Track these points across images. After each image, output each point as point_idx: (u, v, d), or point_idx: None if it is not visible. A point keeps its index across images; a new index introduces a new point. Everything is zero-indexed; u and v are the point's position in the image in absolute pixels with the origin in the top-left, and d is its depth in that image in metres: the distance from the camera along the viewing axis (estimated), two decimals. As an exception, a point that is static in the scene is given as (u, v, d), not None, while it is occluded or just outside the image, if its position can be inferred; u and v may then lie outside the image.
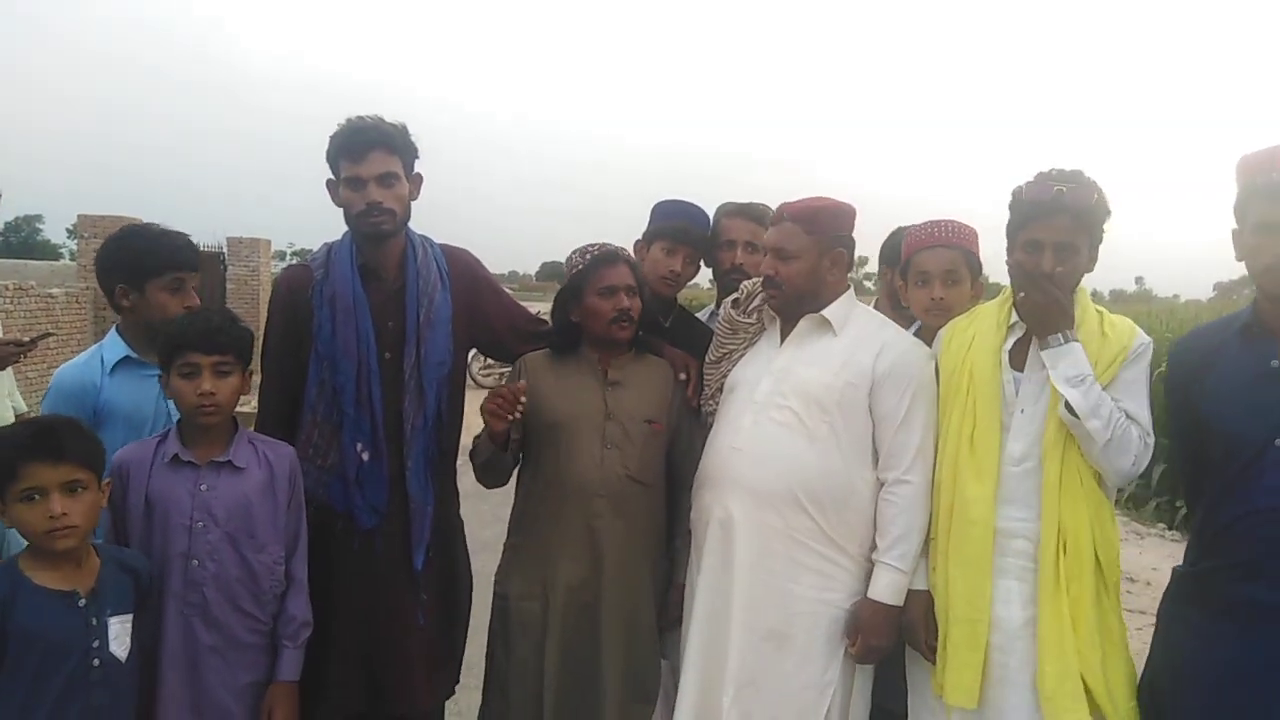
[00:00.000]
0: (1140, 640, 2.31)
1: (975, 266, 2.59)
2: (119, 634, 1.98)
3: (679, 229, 2.92)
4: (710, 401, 2.61)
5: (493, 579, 2.63)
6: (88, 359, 2.51)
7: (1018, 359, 2.26)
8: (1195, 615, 2.11)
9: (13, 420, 2.92)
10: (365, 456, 2.45)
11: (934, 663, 2.25)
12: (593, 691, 2.47)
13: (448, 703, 2.73)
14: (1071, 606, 2.11)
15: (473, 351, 2.88)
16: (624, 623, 2.49)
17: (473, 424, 2.55)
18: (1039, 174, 2.23)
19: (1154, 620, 2.25)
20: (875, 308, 2.85)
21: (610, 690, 2.46)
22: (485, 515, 3.78)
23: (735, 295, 2.67)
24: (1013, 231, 2.25)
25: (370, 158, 2.43)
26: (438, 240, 2.67)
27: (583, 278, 2.55)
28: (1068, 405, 2.10)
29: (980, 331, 2.32)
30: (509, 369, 2.69)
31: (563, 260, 2.71)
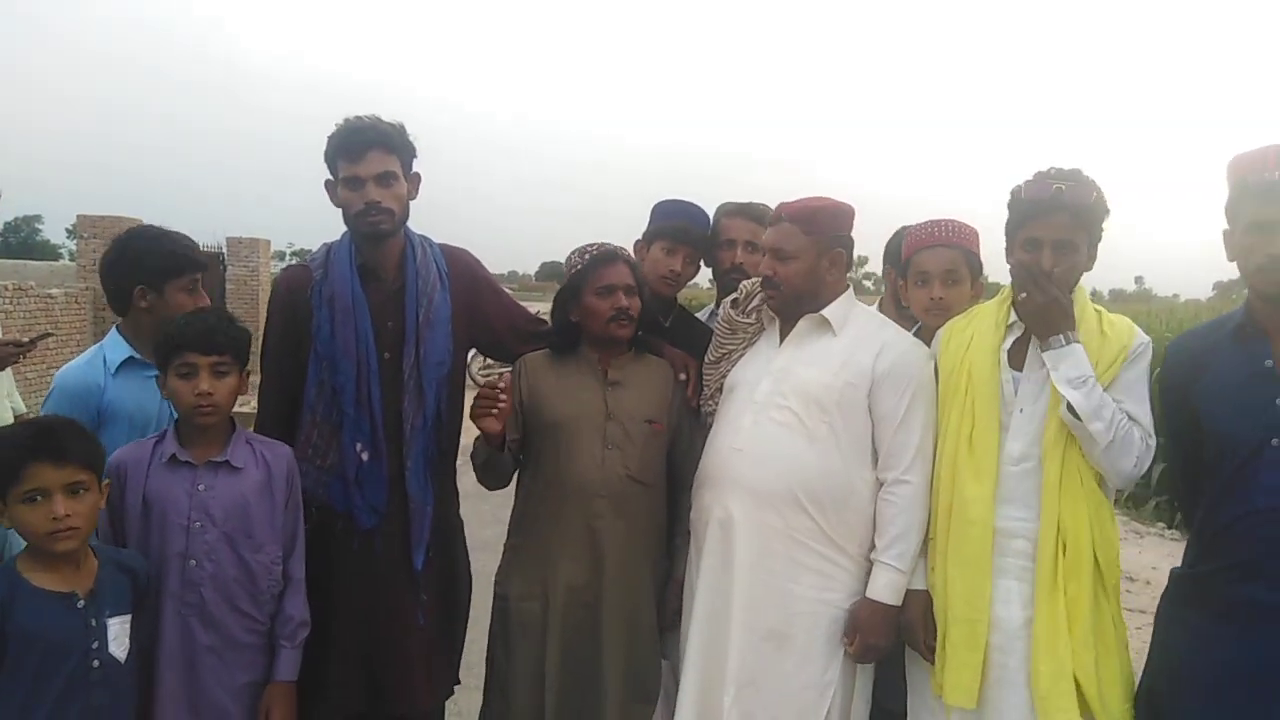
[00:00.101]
0: (1140, 639, 2.31)
1: (976, 266, 2.59)
2: (118, 634, 1.98)
3: (679, 229, 2.92)
4: (710, 402, 2.61)
5: (493, 579, 2.63)
6: (90, 359, 2.51)
7: (1016, 358, 2.26)
8: (1194, 617, 2.10)
9: (12, 421, 2.92)
10: (365, 456, 2.44)
11: (933, 663, 2.25)
12: (594, 692, 2.47)
13: (448, 703, 2.73)
14: (1069, 606, 2.11)
15: (472, 351, 2.88)
16: (625, 623, 2.49)
17: (472, 424, 2.55)
18: (1038, 173, 2.23)
19: (1153, 620, 2.24)
20: (880, 308, 2.85)
21: (611, 690, 2.46)
22: (485, 515, 3.78)
23: (734, 295, 2.67)
24: (1012, 230, 2.25)
25: (368, 157, 2.43)
26: (437, 240, 2.67)
27: (581, 277, 2.55)
28: (1069, 407, 2.09)
29: (979, 331, 2.31)
30: (509, 369, 2.69)
31: (562, 260, 2.71)
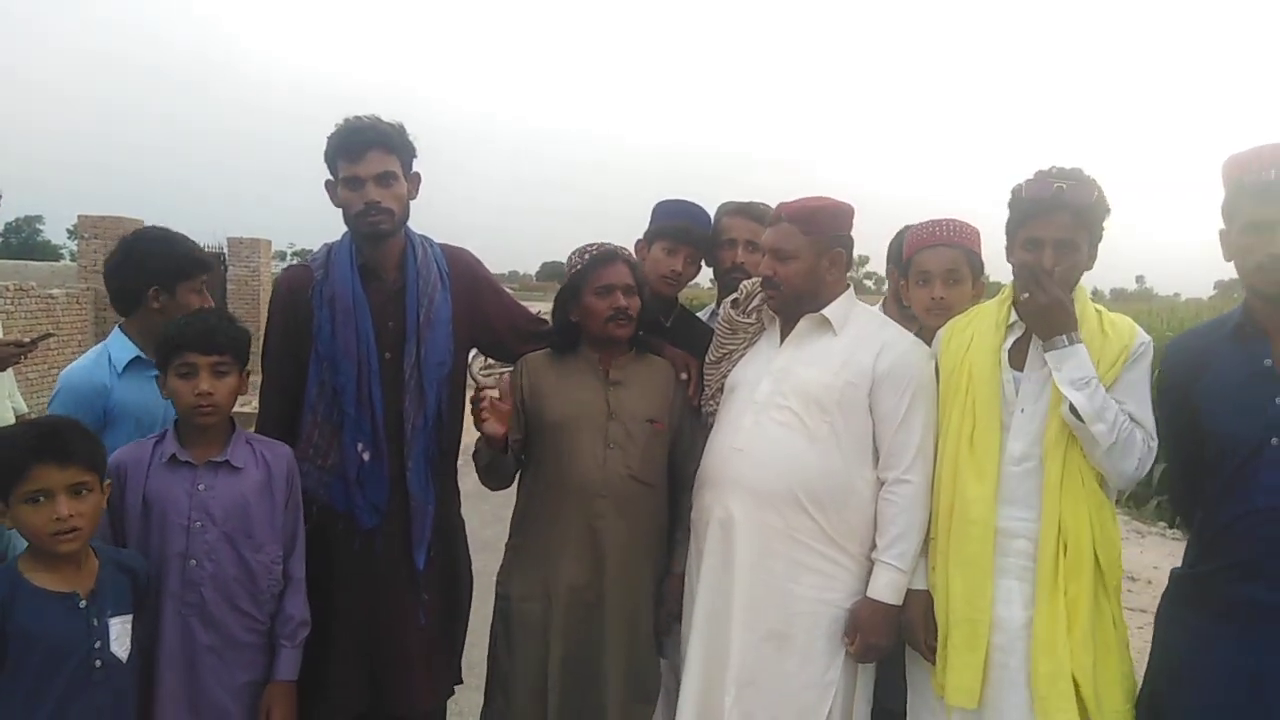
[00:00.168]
0: (1141, 639, 2.31)
1: (977, 266, 2.59)
2: (119, 634, 1.99)
3: (680, 229, 2.92)
4: (710, 402, 2.60)
5: (494, 579, 2.63)
6: (95, 359, 2.51)
7: (1017, 358, 2.25)
8: (1194, 617, 2.10)
9: (13, 421, 2.92)
10: (366, 456, 2.44)
11: (933, 663, 2.25)
12: (595, 692, 2.47)
13: (449, 703, 2.73)
14: (1069, 607, 2.10)
15: (473, 351, 2.89)
16: (627, 623, 2.49)
17: (473, 424, 2.55)
18: (1039, 172, 2.22)
19: (1153, 621, 2.24)
20: (883, 307, 2.85)
21: (613, 690, 2.46)
22: (486, 515, 3.78)
23: (735, 295, 2.67)
24: (1013, 229, 2.25)
25: (368, 157, 2.43)
26: (438, 240, 2.66)
27: (581, 277, 2.56)
28: (1072, 408, 2.09)
29: (979, 331, 2.31)
30: (509, 369, 2.69)
31: (563, 260, 2.71)
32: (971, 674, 2.16)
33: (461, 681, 2.72)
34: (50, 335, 3.34)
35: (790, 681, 2.29)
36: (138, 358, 2.48)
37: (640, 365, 2.62)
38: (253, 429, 2.46)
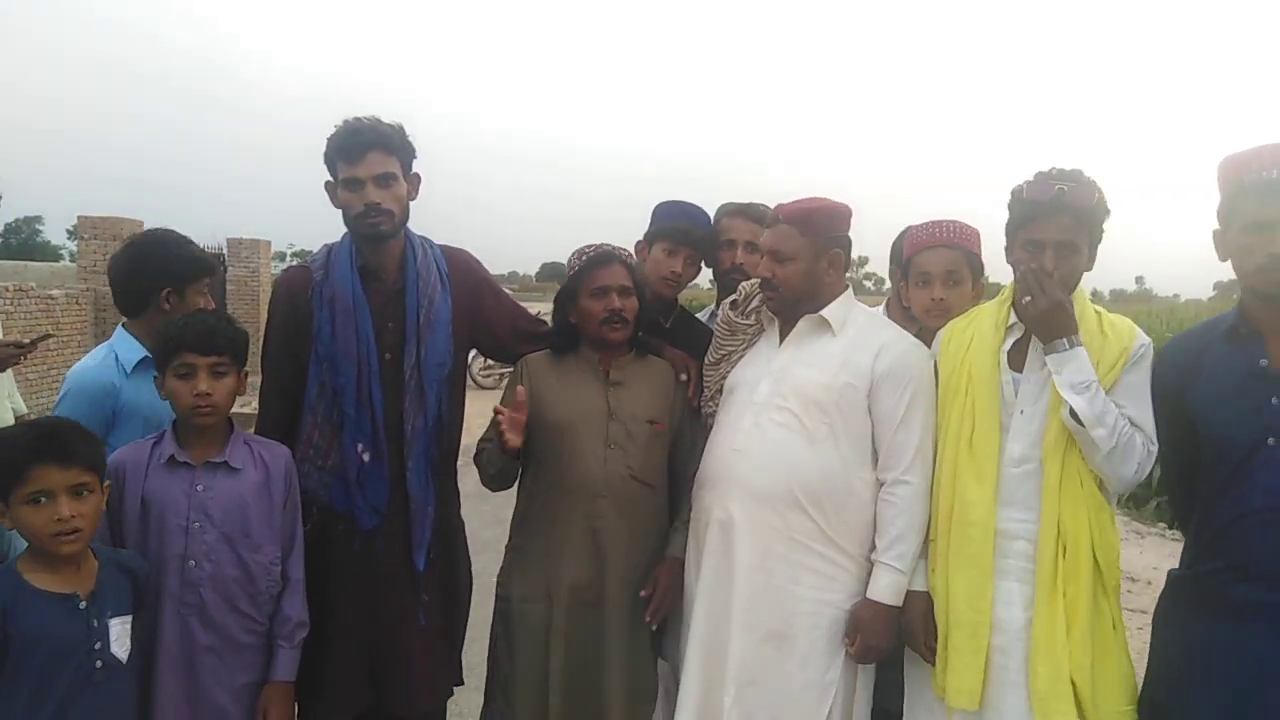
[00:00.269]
0: (1140, 640, 2.31)
1: (977, 267, 2.59)
2: (120, 635, 1.99)
3: (680, 230, 2.92)
4: (710, 403, 2.61)
5: (494, 579, 2.63)
6: (103, 359, 2.51)
7: (1016, 360, 2.25)
8: (1192, 618, 2.10)
9: (12, 422, 2.92)
10: (366, 457, 2.44)
11: (933, 664, 2.25)
12: (597, 692, 2.46)
13: (449, 703, 2.73)
14: (1067, 608, 2.10)
15: (473, 352, 2.89)
16: (627, 623, 2.49)
17: (473, 425, 2.55)
18: (1039, 173, 2.22)
19: (1151, 622, 2.24)
20: (886, 308, 2.85)
21: (614, 691, 2.46)
22: (486, 515, 3.78)
23: (733, 297, 2.67)
24: (1013, 231, 2.25)
25: (367, 159, 2.43)
26: (438, 242, 2.66)
27: (578, 279, 2.56)
28: (1072, 412, 2.09)
29: (979, 333, 2.31)
30: (510, 370, 2.69)
31: (564, 261, 2.71)
32: (972, 675, 2.16)
33: (462, 682, 2.72)
34: (50, 336, 3.34)
35: (790, 682, 2.29)
36: (146, 358, 2.48)
37: (640, 366, 2.62)
38: (252, 430, 2.46)
